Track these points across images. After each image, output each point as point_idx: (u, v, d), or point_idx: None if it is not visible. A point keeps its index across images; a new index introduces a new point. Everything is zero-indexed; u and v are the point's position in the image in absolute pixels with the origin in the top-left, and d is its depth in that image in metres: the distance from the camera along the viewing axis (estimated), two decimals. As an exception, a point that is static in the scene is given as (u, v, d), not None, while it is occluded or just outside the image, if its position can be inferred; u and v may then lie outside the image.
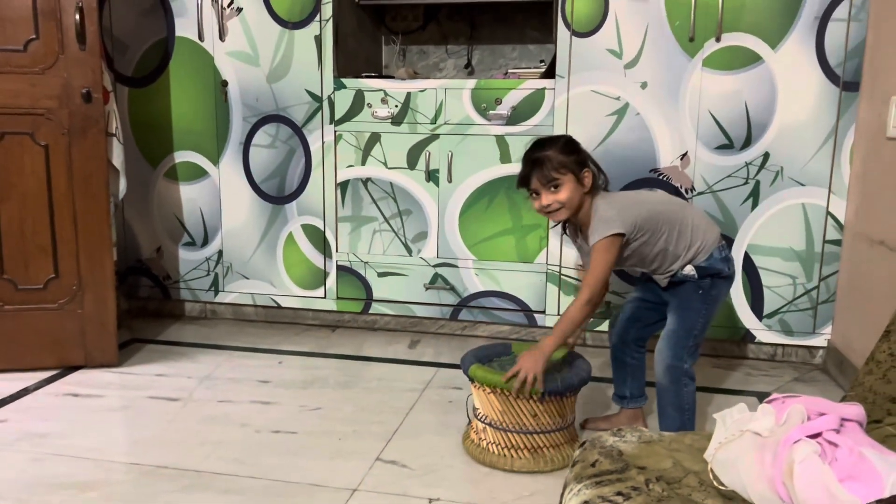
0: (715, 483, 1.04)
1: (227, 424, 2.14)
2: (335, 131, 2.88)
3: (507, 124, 2.74)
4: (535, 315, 2.87)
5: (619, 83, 2.63)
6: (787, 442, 0.95)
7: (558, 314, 2.83)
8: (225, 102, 2.95)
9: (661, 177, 2.67)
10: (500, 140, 2.76)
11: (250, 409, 2.25)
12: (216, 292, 3.11)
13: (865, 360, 1.18)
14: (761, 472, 0.97)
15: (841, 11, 2.45)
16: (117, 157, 2.68)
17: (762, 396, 2.41)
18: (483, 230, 2.86)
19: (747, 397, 2.42)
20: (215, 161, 3.00)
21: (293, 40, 2.85)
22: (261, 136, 2.95)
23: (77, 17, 2.32)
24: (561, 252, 2.79)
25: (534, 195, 1.93)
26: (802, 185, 2.58)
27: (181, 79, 2.97)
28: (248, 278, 3.08)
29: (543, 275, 2.83)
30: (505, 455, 1.88)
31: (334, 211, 2.95)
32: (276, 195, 2.99)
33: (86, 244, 2.46)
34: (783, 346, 2.73)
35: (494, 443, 1.90)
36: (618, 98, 2.64)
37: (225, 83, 2.93)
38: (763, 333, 2.71)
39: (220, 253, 3.08)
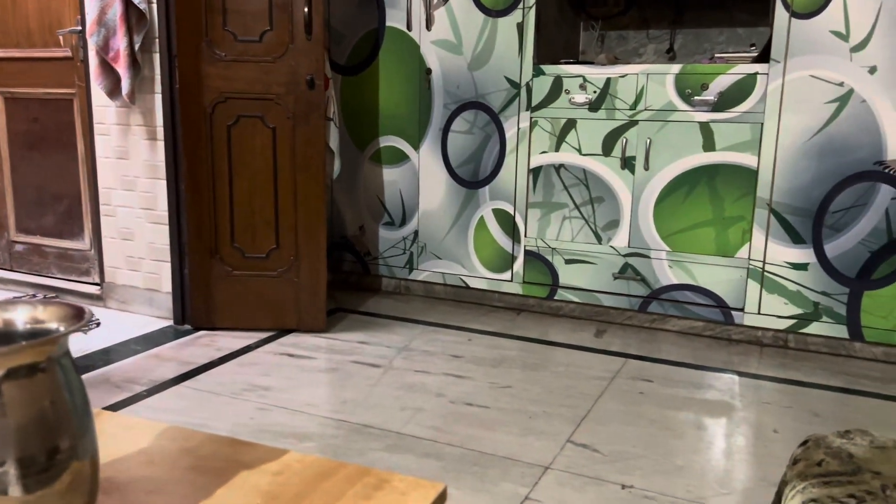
0: (965, 498, 0.96)
1: (424, 393, 2.27)
2: (531, 118, 2.92)
3: (712, 111, 2.63)
4: (733, 312, 2.74)
5: (843, 68, 2.44)
6: None
7: (759, 312, 2.69)
8: (428, 90, 3.09)
9: (887, 170, 2.44)
10: (705, 127, 2.66)
11: (445, 381, 2.36)
12: (410, 270, 3.28)
13: None
14: None
15: None
16: (333, 140, 2.90)
17: None
18: (680, 221, 2.77)
19: (982, 418, 2.17)
20: (416, 146, 3.16)
21: (496, 28, 2.92)
22: (459, 123, 3.06)
23: (306, 9, 2.53)
24: (766, 247, 2.64)
25: None
26: None
27: (389, 67, 3.15)
28: (440, 258, 3.21)
29: (745, 270, 2.70)
30: None
31: (525, 196, 3.00)
32: (471, 180, 3.09)
33: (304, 220, 2.69)
34: None
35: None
36: (841, 84, 2.45)
37: (429, 71, 3.07)
38: None
39: (416, 233, 3.24)
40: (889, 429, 2.09)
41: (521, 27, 2.88)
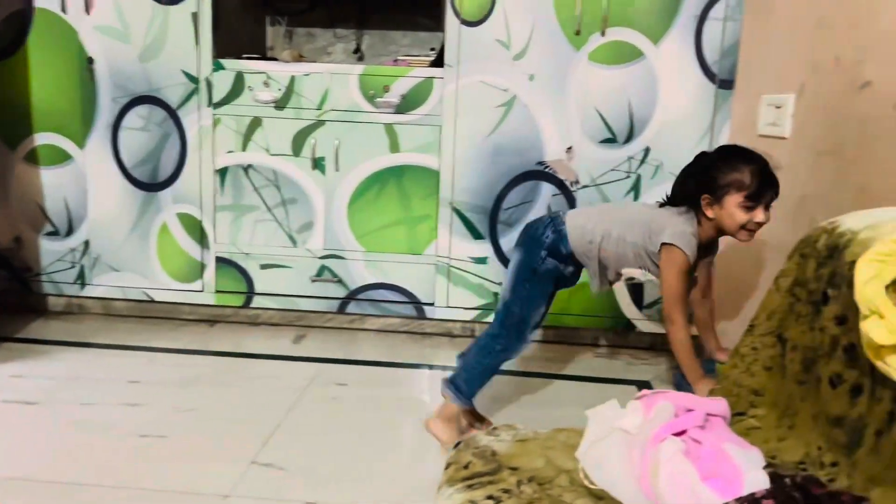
0: (585, 482, 1.03)
1: (90, 429, 1.98)
2: (214, 115, 2.73)
3: (396, 113, 2.68)
4: (425, 307, 2.83)
5: (508, 74, 2.62)
6: (654, 440, 0.94)
7: (448, 306, 2.81)
8: (91, 81, 2.73)
9: (547, 169, 2.69)
10: (389, 129, 2.69)
11: (117, 412, 2.10)
12: (83, 285, 2.89)
13: (730, 354, 1.21)
14: (629, 471, 0.96)
15: (718, 11, 2.53)
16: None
17: (642, 385, 2.48)
18: (372, 221, 2.79)
19: (628, 386, 2.48)
20: (81, 144, 2.78)
21: (168, 17, 2.67)
22: (132, 119, 2.76)
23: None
24: (450, 243, 2.76)
25: (746, 208, 1.72)
26: (681, 179, 2.65)
27: (42, 55, 2.72)
28: (117, 270, 2.87)
29: (433, 266, 2.80)
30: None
31: (212, 199, 2.80)
32: (149, 181, 2.80)
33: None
34: (662, 334, 2.82)
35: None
36: (506, 90, 2.63)
37: (91, 60, 2.71)
38: (643, 323, 2.78)
39: (87, 243, 2.86)
40: (554, 404, 2.29)
41: (196, 17, 2.66)
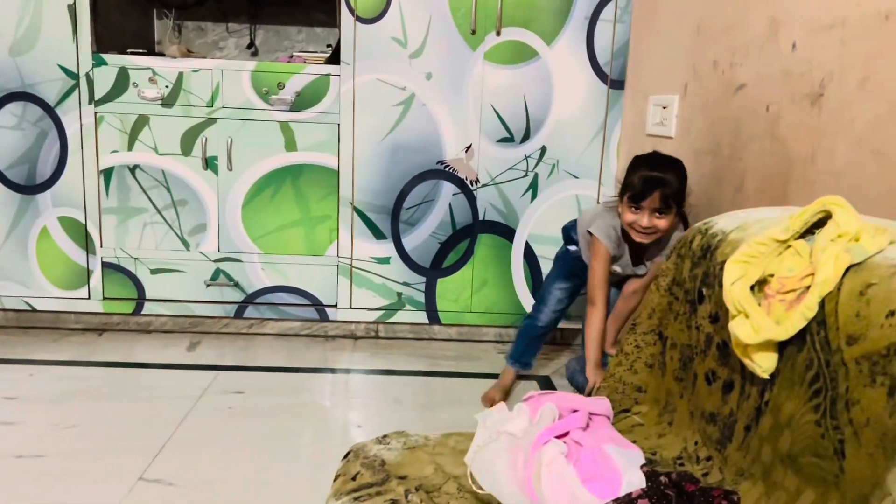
0: (474, 487, 1.03)
1: (-45, 453, 1.84)
2: (95, 112, 2.58)
3: (291, 110, 2.61)
4: (327, 309, 2.78)
5: (405, 73, 2.60)
6: (537, 443, 0.95)
7: (350, 307, 2.77)
8: (-44, 75, 2.53)
9: (447, 168, 2.69)
10: (285, 127, 2.63)
11: (-12, 433, 1.95)
12: (-47, 296, 2.68)
13: (617, 351, 1.24)
14: (514, 475, 0.97)
15: (608, 12, 2.59)
16: None
17: (542, 380, 2.52)
18: (269, 222, 2.71)
19: (529, 381, 2.52)
20: (-54, 144, 2.58)
21: (41, 8, 2.50)
22: (4, 117, 2.57)
23: None
24: (352, 244, 2.72)
25: (632, 208, 1.82)
26: (576, 177, 2.71)
27: None
28: (-7, 279, 2.68)
29: (335, 267, 2.75)
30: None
31: (97, 201, 2.65)
32: (26, 184, 2.63)
33: None
34: (562, 329, 2.87)
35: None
36: (404, 88, 2.61)
37: (-45, 53, 2.51)
38: (544, 318, 2.83)
39: (-43, 251, 2.65)
40: (459, 403, 2.29)
41: (72, 9, 2.51)
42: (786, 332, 0.81)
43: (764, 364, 0.85)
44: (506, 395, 2.33)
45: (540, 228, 2.75)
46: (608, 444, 0.95)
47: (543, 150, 2.69)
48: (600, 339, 1.94)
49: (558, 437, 0.96)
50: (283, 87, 2.59)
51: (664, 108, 2.27)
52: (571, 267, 2.21)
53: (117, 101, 2.57)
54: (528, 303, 2.81)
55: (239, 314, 2.77)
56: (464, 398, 2.35)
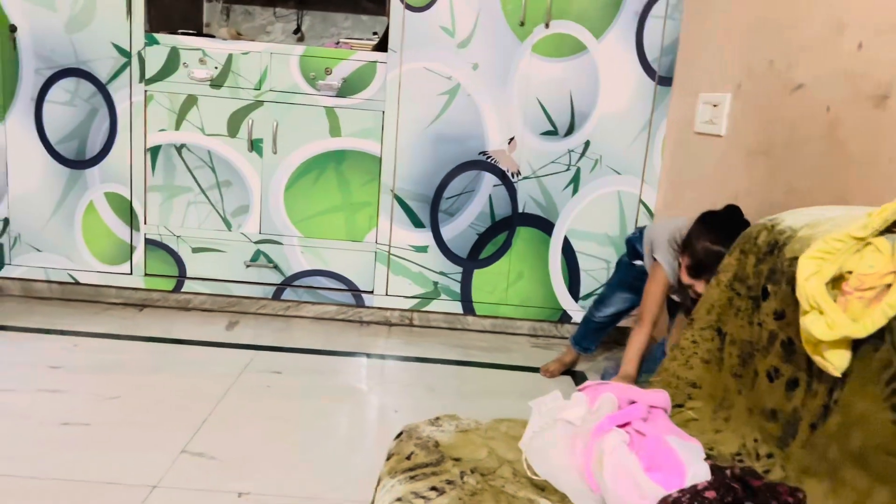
0: (528, 473, 1.03)
1: (8, 416, 1.88)
2: (146, 91, 2.62)
3: (337, 96, 2.62)
4: (364, 295, 2.80)
5: (452, 62, 2.60)
6: (598, 432, 0.95)
7: (387, 294, 2.79)
8: (14, 50, 2.58)
9: (489, 160, 2.69)
10: (330, 112, 2.64)
11: (36, 399, 1.99)
12: (1, 265, 2.74)
13: (670, 347, 1.24)
14: (572, 462, 0.97)
15: (658, 9, 2.57)
16: None
17: (577, 376, 2.51)
18: (310, 206, 2.73)
19: (563, 377, 2.51)
20: (1, 117, 2.63)
21: (97, -14, 2.54)
22: (57, 92, 2.62)
23: None
24: (391, 231, 2.73)
25: (690, 273, 1.74)
26: (619, 173, 2.70)
27: (-43, 18, 2.56)
28: (40, 251, 2.73)
29: (373, 254, 2.77)
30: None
31: (143, 179, 2.69)
32: (76, 159, 2.67)
33: None
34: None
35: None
36: (450, 77, 2.61)
37: (13, 28, 2.56)
38: (579, 314, 2.82)
39: (6, 221, 2.71)
40: (492, 394, 2.30)
41: (128, -12, 2.54)
42: (864, 329, 0.80)
43: (837, 362, 0.84)
44: (564, 368, 2.50)
45: (580, 224, 2.74)
46: (670, 434, 0.95)
47: (587, 144, 2.67)
48: (640, 356, 1.93)
49: (619, 426, 0.96)
50: (331, 72, 2.60)
51: (714, 106, 2.25)
52: (636, 280, 2.18)
53: (167, 81, 2.61)
54: (563, 297, 2.80)
55: (277, 296, 2.80)
56: (497, 389, 2.35)
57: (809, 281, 0.86)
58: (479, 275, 2.79)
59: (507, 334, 2.88)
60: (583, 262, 2.77)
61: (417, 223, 2.74)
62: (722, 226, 1.73)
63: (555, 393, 1.11)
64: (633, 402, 1.03)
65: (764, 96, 1.93)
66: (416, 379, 2.39)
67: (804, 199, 1.69)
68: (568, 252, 2.77)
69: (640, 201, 2.72)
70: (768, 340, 1.03)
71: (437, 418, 1.18)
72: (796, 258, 0.99)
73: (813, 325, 0.84)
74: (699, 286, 1.70)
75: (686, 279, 1.72)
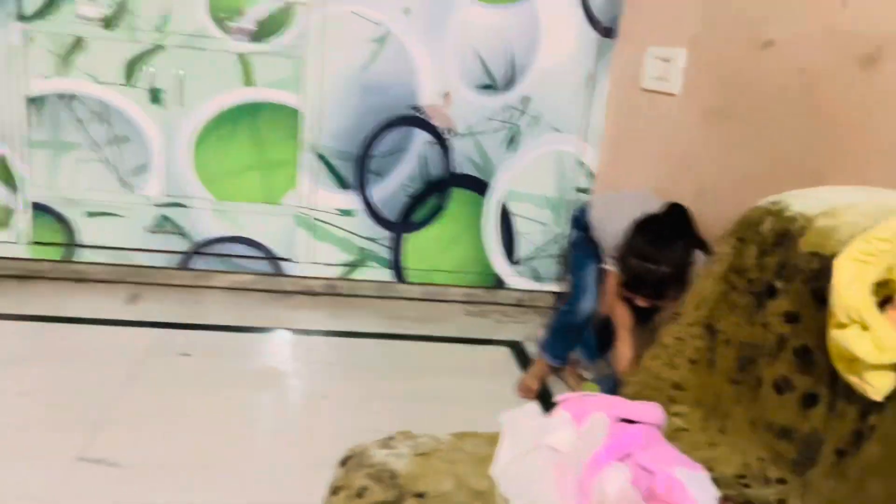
0: (505, 508, 0.86)
1: None
2: (24, 30, 2.24)
3: (251, 41, 2.32)
4: (283, 263, 2.56)
5: (381, 6, 2.35)
6: (594, 465, 0.79)
7: (309, 262, 2.56)
8: None
9: (422, 115, 2.47)
10: (244, 59, 2.34)
11: None
12: None
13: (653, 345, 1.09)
14: (563, 497, 0.81)
15: (604, -46, 2.39)
16: None
17: (513, 346, 2.38)
18: (223, 165, 2.45)
19: (500, 347, 2.37)
20: None
21: None
22: (-90, 28, 2.21)
23: None
24: (313, 193, 2.49)
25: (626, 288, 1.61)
26: (559, 131, 2.54)
27: None
28: None
29: (292, 218, 2.52)
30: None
31: (24, 133, 2.32)
32: (-62, 108, 2.28)
33: None
34: (531, 291, 2.73)
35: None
36: (379, 23, 2.36)
37: None
38: (514, 279, 2.68)
39: None
40: (427, 371, 2.13)
41: None
42: (929, 353, 0.67)
43: (879, 384, 0.71)
44: (542, 383, 2.07)
45: (518, 185, 2.57)
46: (675, 465, 0.81)
47: (527, 99, 2.49)
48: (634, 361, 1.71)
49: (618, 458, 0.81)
50: (244, 14, 2.30)
51: (665, 61, 2.10)
52: (595, 249, 1.92)
53: (49, 19, 2.24)
54: (499, 264, 2.65)
55: (184, 265, 2.52)
56: (432, 365, 2.19)
57: (850, 289, 0.71)
58: (410, 240, 2.59)
59: (439, 302, 2.71)
60: (522, 227, 2.62)
61: (343, 184, 2.51)
62: (658, 236, 1.59)
63: (530, 406, 0.95)
64: (623, 421, 0.88)
65: (726, 52, 1.79)
66: (344, 357, 2.19)
67: (774, 170, 1.57)
68: (504, 215, 2.61)
69: (580, 161, 2.57)
70: (777, 346, 0.90)
71: (390, 438, 1.00)
72: (816, 253, 0.84)
73: (856, 344, 0.70)
74: (640, 301, 1.59)
75: (624, 293, 1.59)
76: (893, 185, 1.22)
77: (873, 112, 1.28)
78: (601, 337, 2.00)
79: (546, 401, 2.00)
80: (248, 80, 2.37)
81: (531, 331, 2.53)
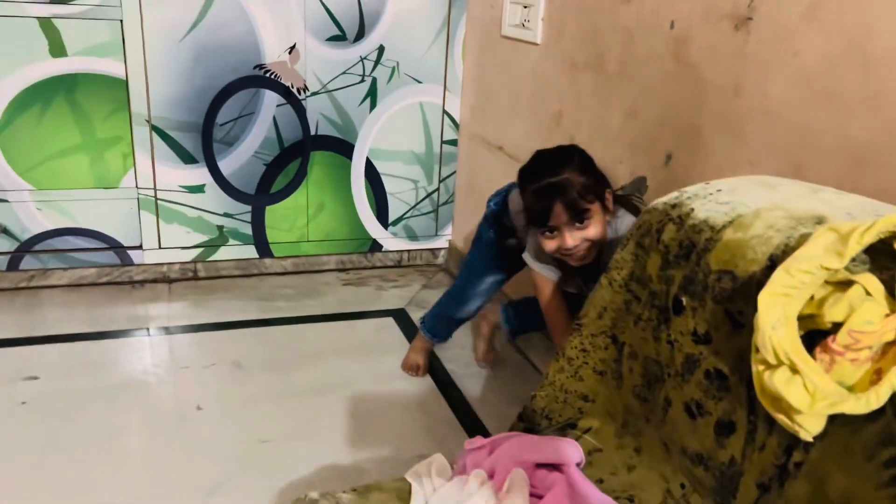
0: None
1: None
2: None
3: (52, 2, 1.98)
4: (130, 252, 2.29)
5: (206, -47, 2.05)
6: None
7: (160, 247, 2.31)
8: None
9: (268, 74, 2.23)
10: (47, 24, 2.00)
11: None
12: None
13: (555, 355, 1.02)
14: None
15: None
16: None
17: (397, 315, 2.28)
18: (40, 150, 2.12)
19: (384, 318, 2.27)
20: None
21: None
22: None
23: None
24: (154, 170, 2.22)
25: (546, 234, 1.34)
26: (419, 82, 2.39)
27: None
28: None
29: (134, 201, 2.24)
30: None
31: None
32: None
33: None
34: (408, 251, 2.63)
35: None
36: (205, -27, 2.07)
37: None
38: (389, 241, 2.56)
39: None
40: (311, 359, 2.00)
41: None
42: (867, 404, 0.62)
43: (809, 425, 0.67)
44: (427, 356, 1.96)
45: (382, 142, 2.42)
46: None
47: (381, 49, 2.31)
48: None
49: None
50: (37, -30, 1.94)
51: (525, 7, 1.98)
52: (505, 258, 1.74)
53: None
54: (372, 225, 2.51)
55: (13, 266, 2.21)
56: (316, 351, 2.05)
57: (779, 330, 0.65)
58: (272, 211, 2.39)
59: (312, 273, 2.55)
60: (389, 185, 2.48)
61: (187, 158, 2.25)
62: (535, 165, 1.39)
63: (438, 460, 0.85)
64: (539, 465, 0.80)
65: (587, 1, 1.70)
66: (215, 354, 2.01)
67: (648, 127, 1.52)
68: (372, 175, 2.45)
69: (445, 112, 2.44)
70: (685, 367, 0.84)
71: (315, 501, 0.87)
72: (728, 272, 0.78)
73: (788, 391, 0.65)
74: (565, 239, 1.31)
75: (550, 244, 1.34)
76: (772, 153, 1.20)
77: (747, 76, 1.23)
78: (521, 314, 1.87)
79: (435, 375, 1.95)
80: (57, 50, 2.03)
81: (413, 293, 2.44)
